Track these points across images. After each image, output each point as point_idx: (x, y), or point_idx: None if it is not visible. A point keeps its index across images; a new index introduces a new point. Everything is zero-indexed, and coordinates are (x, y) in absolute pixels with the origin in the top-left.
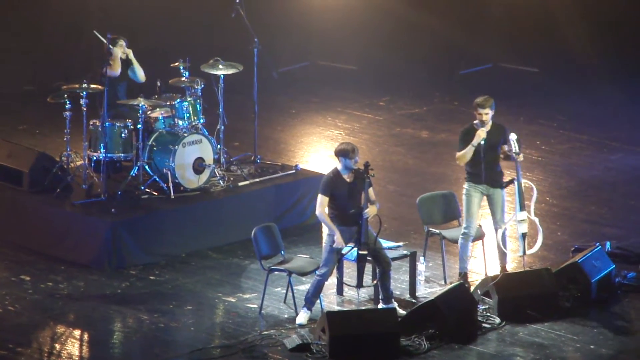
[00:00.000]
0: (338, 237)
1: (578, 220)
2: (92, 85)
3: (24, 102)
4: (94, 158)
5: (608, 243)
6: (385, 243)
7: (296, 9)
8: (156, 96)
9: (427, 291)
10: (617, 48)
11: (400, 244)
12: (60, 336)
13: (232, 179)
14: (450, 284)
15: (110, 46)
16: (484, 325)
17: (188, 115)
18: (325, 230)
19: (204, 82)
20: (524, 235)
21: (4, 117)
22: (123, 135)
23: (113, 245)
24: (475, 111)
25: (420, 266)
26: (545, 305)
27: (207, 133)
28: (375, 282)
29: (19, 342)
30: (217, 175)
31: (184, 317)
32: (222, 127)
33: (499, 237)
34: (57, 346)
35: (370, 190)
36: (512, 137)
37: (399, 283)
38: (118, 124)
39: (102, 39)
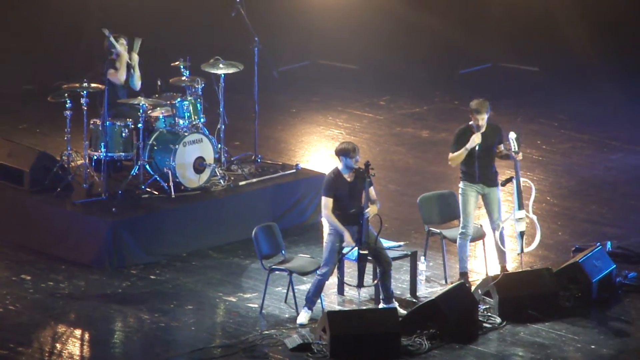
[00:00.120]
0: (347, 237)
1: (579, 220)
2: (93, 85)
3: (25, 101)
4: (95, 157)
5: (609, 243)
6: (386, 243)
7: (297, 8)
8: (157, 95)
9: (427, 291)
10: (617, 48)
11: (401, 243)
12: (61, 336)
13: (232, 178)
14: (451, 283)
15: (119, 51)
16: (484, 325)
17: (188, 114)
18: (326, 230)
19: (205, 81)
20: (521, 234)
21: (5, 117)
22: (123, 134)
23: (114, 244)
24: (472, 115)
25: (421, 266)
26: (546, 305)
27: (207, 132)
28: (375, 281)
29: (19, 342)
30: (218, 174)
31: (184, 317)
32: (223, 127)
33: (497, 236)
34: (58, 346)
35: (371, 189)
36: (512, 135)
37: (399, 283)
38: (118, 123)
39: (115, 43)
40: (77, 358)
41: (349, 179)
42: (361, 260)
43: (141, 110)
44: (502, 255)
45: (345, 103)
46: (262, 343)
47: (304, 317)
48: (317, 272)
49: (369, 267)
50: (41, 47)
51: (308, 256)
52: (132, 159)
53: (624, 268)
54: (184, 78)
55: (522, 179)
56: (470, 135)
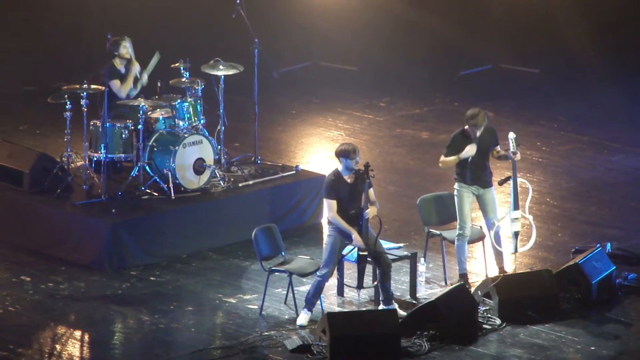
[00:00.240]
0: (356, 237)
1: (579, 222)
2: (93, 86)
3: (25, 102)
4: (95, 158)
5: (609, 244)
6: (385, 244)
7: (297, 10)
8: (157, 97)
9: (427, 292)
10: (617, 48)
11: (401, 244)
12: (61, 337)
13: (232, 179)
14: (451, 285)
15: (130, 67)
16: (484, 326)
17: (188, 115)
18: (325, 231)
19: (205, 82)
20: (516, 234)
21: (5, 118)
22: (123, 135)
23: (114, 245)
24: (468, 124)
25: (421, 267)
26: (545, 306)
27: (207, 134)
28: (375, 283)
29: (19, 343)
30: (218, 175)
31: (184, 318)
32: (223, 128)
33: (492, 235)
34: (58, 347)
35: (371, 191)
36: (511, 136)
37: (399, 284)
38: (118, 125)
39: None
40: (77, 359)
41: (349, 181)
42: (361, 262)
43: (141, 112)
44: (499, 256)
45: (345, 104)
46: (262, 344)
47: (303, 318)
48: (317, 273)
49: (369, 269)
50: (41, 48)
51: (308, 257)
52: (132, 160)
53: (624, 269)
54: (184, 79)
55: (519, 180)
56: (464, 142)
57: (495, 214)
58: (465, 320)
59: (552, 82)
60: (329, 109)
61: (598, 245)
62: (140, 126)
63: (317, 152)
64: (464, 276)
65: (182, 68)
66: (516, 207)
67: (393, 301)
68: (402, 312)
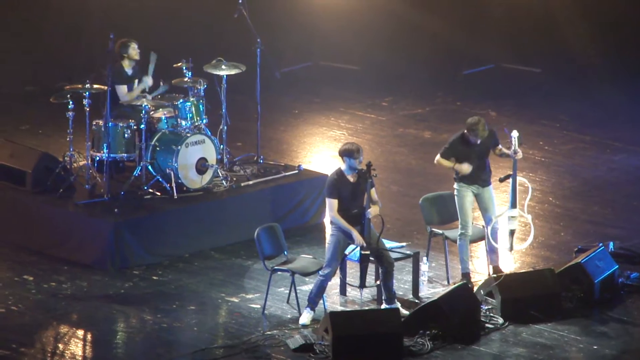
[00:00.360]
0: (357, 236)
1: (581, 221)
2: (95, 86)
3: (27, 102)
4: (97, 158)
5: (611, 243)
6: (388, 243)
7: (299, 10)
8: (159, 96)
9: (430, 291)
10: (618, 48)
11: (403, 244)
12: (63, 336)
13: (235, 179)
14: (454, 284)
15: (144, 80)
16: (487, 325)
17: (191, 115)
18: (328, 231)
19: (207, 82)
20: (512, 232)
21: (7, 118)
22: (126, 135)
23: (116, 245)
24: (469, 131)
25: (423, 266)
26: (548, 305)
27: (210, 133)
28: (378, 282)
29: (22, 342)
30: (220, 175)
31: (187, 317)
32: (225, 128)
33: (488, 231)
34: (60, 346)
35: (373, 190)
36: (514, 134)
37: (402, 283)
38: (121, 124)
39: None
40: (79, 358)
41: (351, 180)
42: (363, 261)
43: (143, 112)
44: (493, 254)
45: (347, 104)
46: (264, 344)
47: (306, 317)
48: (320, 272)
49: (371, 268)
50: (41, 48)
51: (310, 257)
52: (134, 160)
53: (627, 269)
54: (186, 79)
55: (519, 179)
56: (462, 147)
57: (493, 211)
58: (467, 320)
59: (553, 81)
60: (331, 109)
61: (600, 244)
62: (142, 126)
63: (319, 151)
64: (466, 275)
65: (184, 68)
66: (514, 205)
67: (395, 300)
68: (404, 312)
